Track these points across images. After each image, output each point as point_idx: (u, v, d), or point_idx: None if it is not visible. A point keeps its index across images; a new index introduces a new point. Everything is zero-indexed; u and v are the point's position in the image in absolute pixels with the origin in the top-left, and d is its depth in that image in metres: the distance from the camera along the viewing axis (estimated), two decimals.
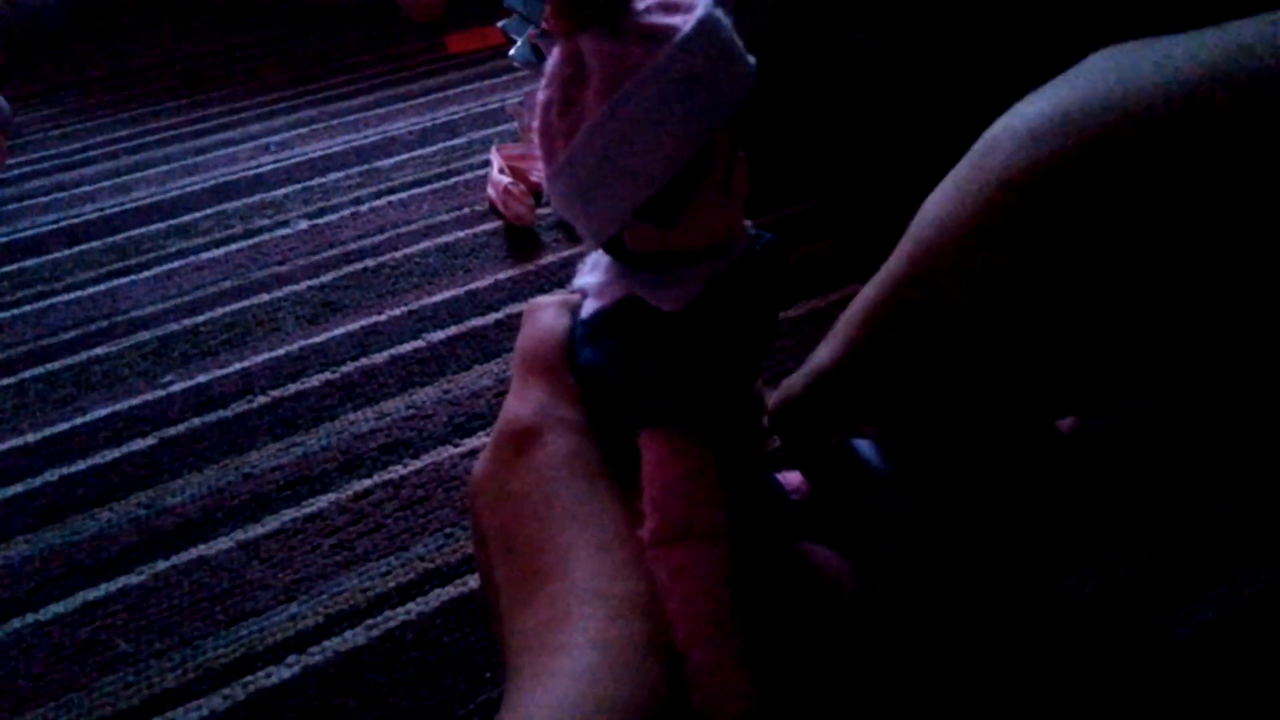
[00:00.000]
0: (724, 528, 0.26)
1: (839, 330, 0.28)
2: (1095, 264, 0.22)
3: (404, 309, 0.61)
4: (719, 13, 0.23)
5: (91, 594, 0.42)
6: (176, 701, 0.37)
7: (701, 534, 0.25)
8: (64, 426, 0.54)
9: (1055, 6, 0.58)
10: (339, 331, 0.59)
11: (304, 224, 0.74)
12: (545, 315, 0.29)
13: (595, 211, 0.24)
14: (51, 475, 0.50)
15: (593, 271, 0.28)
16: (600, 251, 0.27)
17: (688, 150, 0.23)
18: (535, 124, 0.25)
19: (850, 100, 0.72)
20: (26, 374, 0.59)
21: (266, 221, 0.75)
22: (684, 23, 0.23)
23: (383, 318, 0.60)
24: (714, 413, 0.26)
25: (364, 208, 0.76)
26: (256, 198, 0.80)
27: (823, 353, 0.29)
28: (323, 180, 0.82)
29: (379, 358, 0.56)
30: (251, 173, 0.85)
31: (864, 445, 0.32)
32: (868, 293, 0.27)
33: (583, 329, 0.28)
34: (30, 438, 0.53)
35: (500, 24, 0.72)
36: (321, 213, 0.76)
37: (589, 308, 0.27)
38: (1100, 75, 0.22)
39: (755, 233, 0.27)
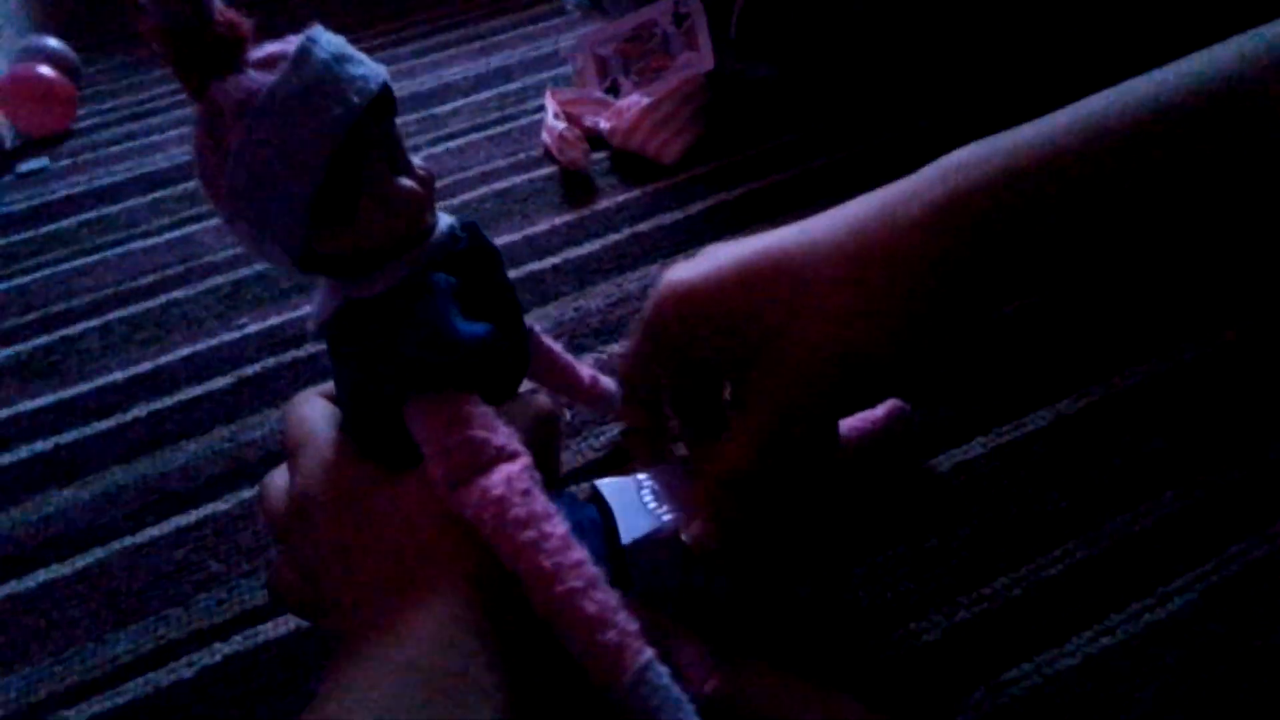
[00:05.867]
0: (517, 446, 0.27)
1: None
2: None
3: None
4: (317, 37, 0.25)
5: (183, 519, 0.45)
6: (265, 617, 0.40)
7: (493, 460, 0.26)
8: (148, 366, 0.57)
9: None
10: None
11: None
12: (300, 407, 0.31)
13: (271, 228, 0.26)
14: (140, 410, 0.53)
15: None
16: (321, 288, 0.29)
17: (324, 148, 0.25)
18: (197, 173, 0.27)
19: (847, 62, 0.72)
20: (111, 316, 0.62)
21: None
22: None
23: None
24: (470, 371, 0.27)
25: (422, 154, 0.77)
26: None
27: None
28: None
29: None
30: None
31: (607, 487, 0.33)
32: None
33: (329, 355, 0.30)
34: (118, 375, 0.56)
35: None
36: None
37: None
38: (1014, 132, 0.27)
39: (460, 218, 0.30)
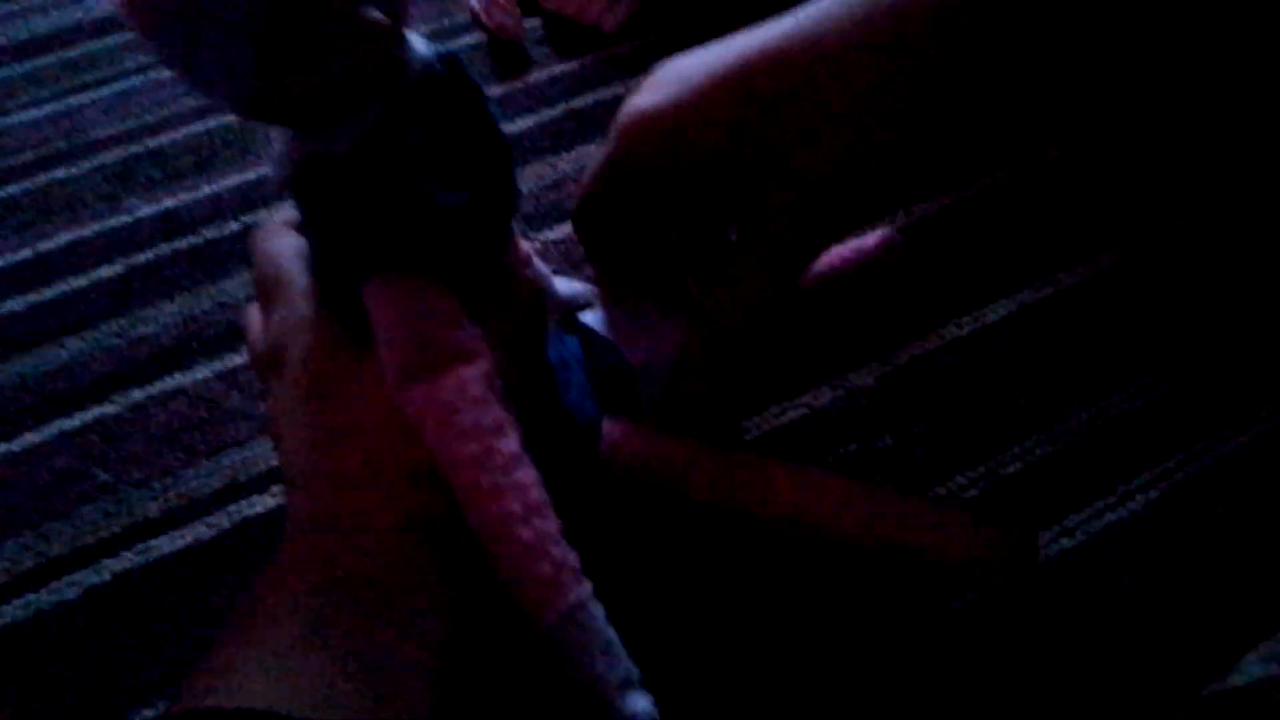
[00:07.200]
0: (479, 346, 0.24)
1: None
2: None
3: None
4: None
5: (66, 424, 0.41)
6: (160, 529, 0.36)
7: (450, 359, 0.23)
8: (27, 253, 0.51)
9: None
10: None
11: None
12: (268, 241, 0.29)
13: (210, 68, 0.21)
14: (17, 304, 0.48)
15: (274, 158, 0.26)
16: (278, 138, 0.25)
17: None
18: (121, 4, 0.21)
19: None
20: None
21: None
22: None
23: None
24: (442, 248, 0.24)
25: None
26: None
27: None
28: None
29: None
30: None
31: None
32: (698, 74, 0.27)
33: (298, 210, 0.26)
34: None
35: None
36: None
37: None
38: None
39: (435, 51, 0.25)
